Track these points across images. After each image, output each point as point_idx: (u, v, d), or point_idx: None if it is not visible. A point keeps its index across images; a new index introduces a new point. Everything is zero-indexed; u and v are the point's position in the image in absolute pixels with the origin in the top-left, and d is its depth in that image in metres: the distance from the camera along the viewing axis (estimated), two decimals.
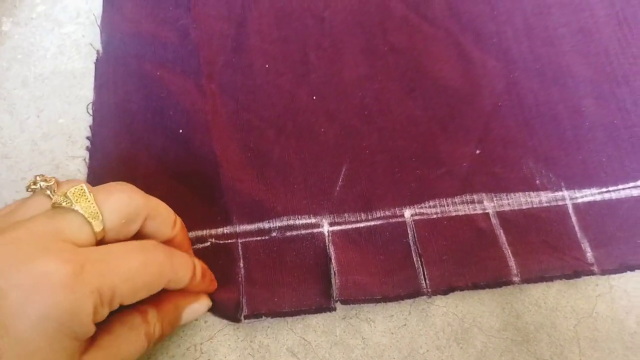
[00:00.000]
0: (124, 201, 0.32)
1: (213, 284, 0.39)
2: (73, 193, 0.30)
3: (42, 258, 0.27)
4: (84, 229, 0.30)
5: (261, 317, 0.39)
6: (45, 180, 0.33)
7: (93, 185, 0.42)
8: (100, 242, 0.31)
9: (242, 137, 0.44)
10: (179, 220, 0.37)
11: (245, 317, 0.38)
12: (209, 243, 0.41)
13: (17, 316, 0.26)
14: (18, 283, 0.26)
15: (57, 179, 0.33)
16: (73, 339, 0.28)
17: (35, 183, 0.33)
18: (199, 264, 0.36)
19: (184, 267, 0.34)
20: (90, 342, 0.30)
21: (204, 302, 0.38)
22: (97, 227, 0.30)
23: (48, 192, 0.32)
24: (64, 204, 0.30)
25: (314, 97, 0.46)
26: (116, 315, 0.32)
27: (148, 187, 0.42)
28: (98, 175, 0.43)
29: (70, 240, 0.29)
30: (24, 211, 0.32)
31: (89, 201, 0.30)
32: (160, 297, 0.35)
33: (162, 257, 0.32)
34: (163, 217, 0.35)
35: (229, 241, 0.41)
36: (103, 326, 0.31)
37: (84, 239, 0.30)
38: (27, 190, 0.33)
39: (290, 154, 0.44)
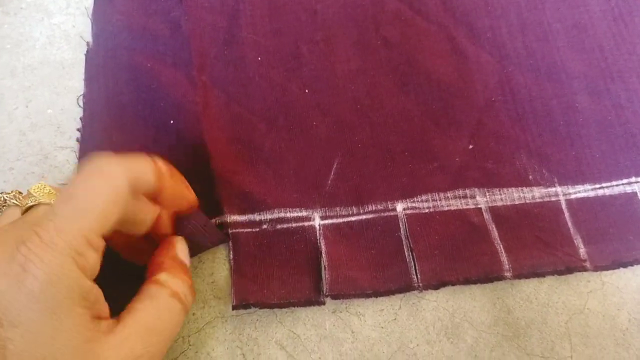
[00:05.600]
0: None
1: (185, 184, 0.37)
2: (35, 190, 0.31)
3: (5, 245, 0.27)
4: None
5: (249, 307, 0.38)
6: (7, 194, 0.33)
7: None
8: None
9: (233, 129, 0.44)
10: (163, 166, 0.35)
11: (234, 308, 0.38)
12: None
13: (2, 305, 0.26)
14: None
15: (18, 192, 0.34)
16: (78, 305, 0.28)
17: (2, 200, 0.33)
18: (161, 162, 0.35)
19: (140, 161, 0.33)
20: (115, 322, 0.30)
21: (182, 242, 0.37)
22: None
23: (14, 201, 0.32)
24: (29, 202, 0.31)
25: (306, 91, 0.45)
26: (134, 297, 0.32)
27: None
28: None
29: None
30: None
31: (47, 191, 0.32)
32: (155, 263, 0.35)
33: (103, 164, 0.31)
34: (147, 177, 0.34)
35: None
36: (125, 310, 0.31)
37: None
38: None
39: (282, 147, 0.43)
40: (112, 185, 0.30)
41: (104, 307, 0.30)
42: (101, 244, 0.30)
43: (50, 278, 0.27)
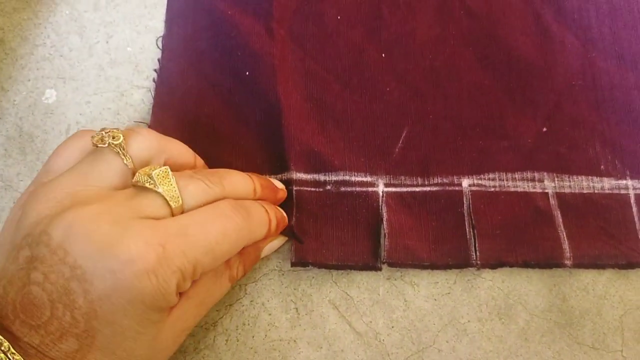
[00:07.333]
0: (202, 190, 0.33)
1: (284, 226, 0.39)
2: (158, 175, 0.31)
3: (124, 242, 0.28)
4: (163, 210, 0.31)
5: (307, 265, 0.39)
6: (113, 138, 0.32)
7: (158, 119, 0.43)
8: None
9: (306, 86, 0.44)
10: (257, 184, 0.37)
11: (292, 265, 0.39)
12: None
13: (104, 302, 0.27)
14: (102, 269, 0.27)
15: (123, 132, 0.33)
16: (159, 311, 0.30)
17: (102, 140, 0.32)
18: (274, 216, 0.37)
19: (261, 226, 0.35)
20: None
21: (281, 238, 0.40)
22: (177, 211, 0.31)
23: (117, 150, 0.32)
24: (147, 184, 0.31)
25: (383, 55, 0.45)
26: None
27: (212, 127, 0.42)
28: (163, 108, 0.43)
29: (148, 217, 0.30)
30: (97, 175, 0.31)
31: (171, 185, 0.31)
32: None
33: (240, 222, 0.32)
34: (240, 194, 0.36)
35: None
36: None
37: (162, 216, 0.31)
38: (94, 146, 0.33)
39: (353, 110, 0.43)
40: (239, 245, 0.33)
41: None
42: (198, 277, 0.31)
43: (156, 290, 0.28)
